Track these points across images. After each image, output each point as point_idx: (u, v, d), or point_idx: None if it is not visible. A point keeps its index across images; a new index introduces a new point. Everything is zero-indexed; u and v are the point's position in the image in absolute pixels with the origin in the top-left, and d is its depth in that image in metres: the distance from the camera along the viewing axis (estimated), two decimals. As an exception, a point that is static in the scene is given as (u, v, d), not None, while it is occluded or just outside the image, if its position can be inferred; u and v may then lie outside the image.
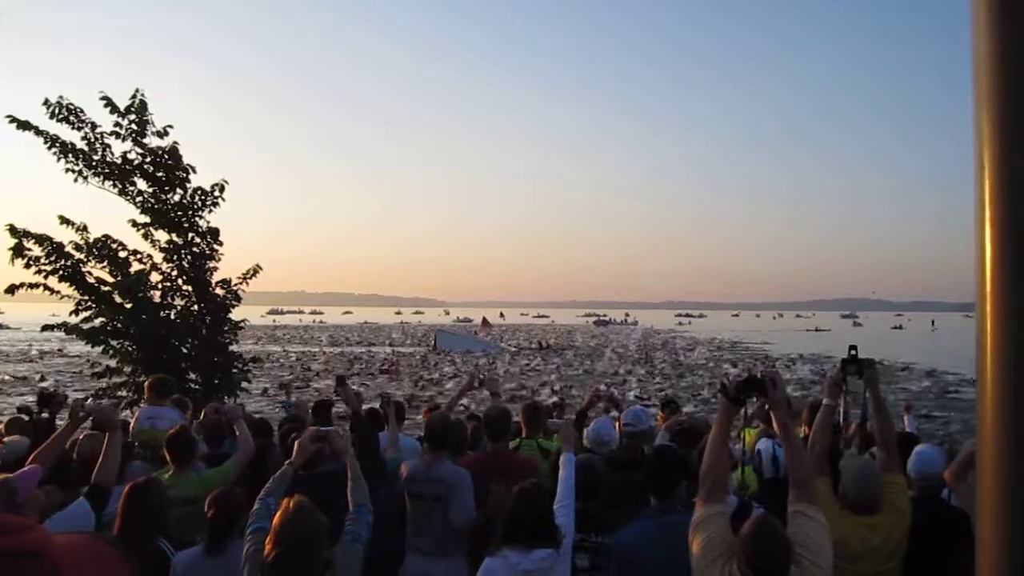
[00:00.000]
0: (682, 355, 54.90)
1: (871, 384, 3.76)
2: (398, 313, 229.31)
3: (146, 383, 7.42)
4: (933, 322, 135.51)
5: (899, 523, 4.02)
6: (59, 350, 47.18)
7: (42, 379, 33.53)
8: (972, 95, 0.95)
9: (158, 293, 12.29)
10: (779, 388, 3.44)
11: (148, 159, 11.85)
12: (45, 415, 6.33)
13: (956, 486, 4.62)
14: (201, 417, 6.38)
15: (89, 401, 4.14)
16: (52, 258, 11.33)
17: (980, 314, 0.90)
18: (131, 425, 6.64)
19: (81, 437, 5.76)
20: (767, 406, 4.18)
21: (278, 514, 3.43)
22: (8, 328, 79.81)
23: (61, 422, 6.33)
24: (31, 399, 10.73)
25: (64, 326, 11.95)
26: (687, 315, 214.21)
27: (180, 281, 12.37)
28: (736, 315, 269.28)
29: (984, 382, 0.89)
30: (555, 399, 17.59)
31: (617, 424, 6.13)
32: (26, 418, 6.84)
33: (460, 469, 5.10)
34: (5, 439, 5.95)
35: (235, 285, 12.73)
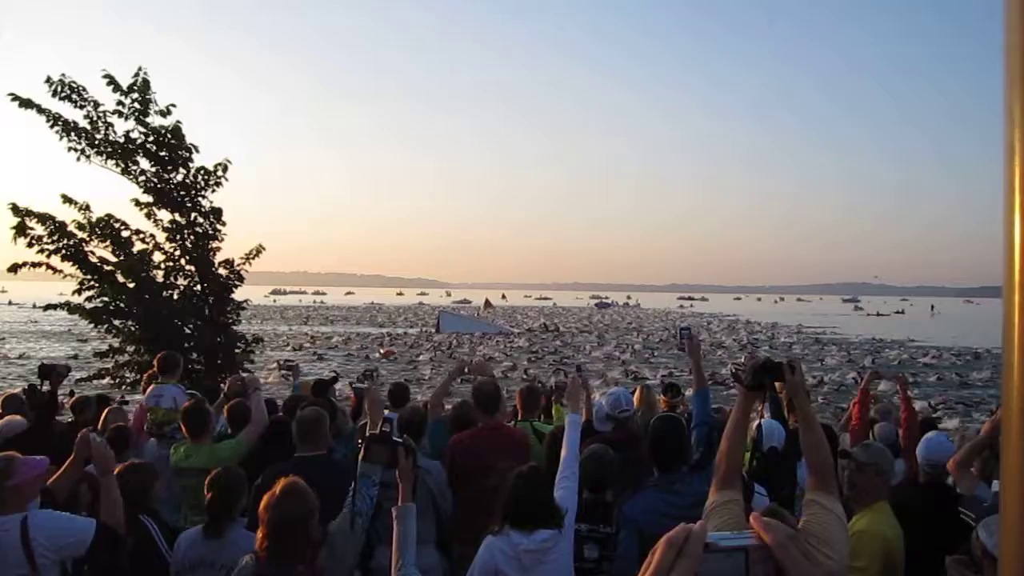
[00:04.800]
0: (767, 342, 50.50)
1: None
2: (400, 294, 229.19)
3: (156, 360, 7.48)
4: (933, 307, 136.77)
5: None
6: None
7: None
8: (1004, 73, 0.89)
9: (161, 273, 12.30)
10: (797, 372, 3.34)
11: (151, 138, 11.81)
12: (47, 388, 6.37)
13: (960, 476, 4.59)
14: (227, 388, 6.52)
15: (93, 435, 4.08)
16: (55, 237, 11.33)
17: (1008, 305, 0.87)
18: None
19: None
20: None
21: (264, 499, 3.43)
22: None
23: (62, 394, 6.40)
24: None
25: (67, 305, 11.95)
26: (689, 298, 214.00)
27: (183, 261, 12.36)
28: (738, 299, 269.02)
29: (1011, 376, 0.86)
30: (556, 381, 17.45)
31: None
32: (23, 395, 6.90)
33: (435, 463, 5.12)
34: (3, 419, 6.01)
35: (238, 265, 12.74)
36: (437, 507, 5.00)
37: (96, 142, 11.62)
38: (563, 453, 4.32)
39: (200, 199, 12.22)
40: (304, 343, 43.33)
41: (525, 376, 25.86)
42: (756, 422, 5.61)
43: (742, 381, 3.33)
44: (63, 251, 11.38)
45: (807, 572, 0.77)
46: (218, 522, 3.99)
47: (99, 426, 6.36)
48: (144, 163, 11.94)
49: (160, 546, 4.16)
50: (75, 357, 32.68)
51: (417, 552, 4.87)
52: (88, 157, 11.66)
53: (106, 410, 6.83)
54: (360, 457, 4.01)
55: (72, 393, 12.03)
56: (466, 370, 7.49)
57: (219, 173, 12.29)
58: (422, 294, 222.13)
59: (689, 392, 6.27)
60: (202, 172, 12.16)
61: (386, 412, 4.80)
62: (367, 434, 3.75)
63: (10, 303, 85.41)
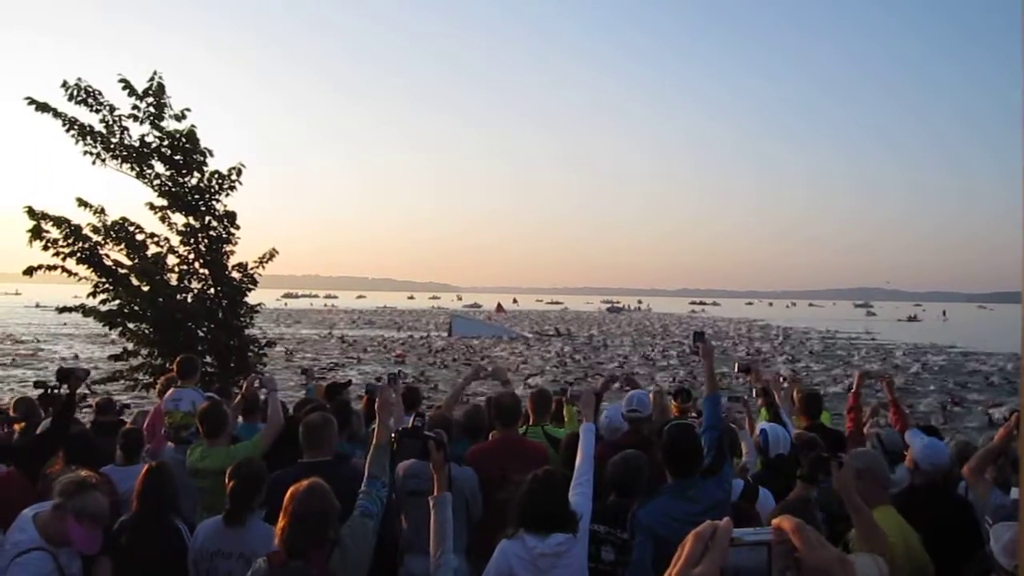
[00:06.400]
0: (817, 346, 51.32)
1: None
2: (411, 298, 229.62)
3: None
4: (944, 312, 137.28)
5: None
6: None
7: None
8: (1022, 79, 0.91)
9: (175, 276, 12.33)
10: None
11: (166, 142, 11.85)
12: (64, 390, 6.43)
13: (975, 482, 4.59)
14: (244, 389, 6.61)
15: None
16: (70, 240, 11.37)
17: None
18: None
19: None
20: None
21: (290, 491, 3.50)
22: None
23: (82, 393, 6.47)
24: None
25: (81, 308, 12.02)
26: (701, 303, 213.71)
27: (197, 264, 12.39)
28: (750, 303, 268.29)
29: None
30: (572, 390, 17.33)
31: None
32: (34, 396, 6.99)
33: (467, 468, 5.11)
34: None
35: (251, 269, 12.78)
36: (469, 512, 4.99)
37: (112, 146, 11.65)
38: (578, 459, 4.35)
39: (214, 203, 12.28)
40: (335, 348, 43.65)
41: (529, 385, 25.79)
42: (760, 428, 5.67)
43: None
44: (78, 254, 11.42)
45: (820, 557, 0.82)
46: (239, 512, 4.03)
47: (128, 425, 6.48)
48: (159, 167, 11.98)
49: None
50: (115, 358, 32.97)
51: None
52: (104, 161, 11.71)
53: (136, 412, 6.94)
54: (369, 456, 4.06)
55: (85, 396, 12.14)
56: (482, 375, 7.52)
57: (233, 177, 12.35)
58: (434, 298, 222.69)
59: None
60: (216, 176, 12.23)
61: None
62: (399, 429, 3.81)
63: (37, 305, 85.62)
